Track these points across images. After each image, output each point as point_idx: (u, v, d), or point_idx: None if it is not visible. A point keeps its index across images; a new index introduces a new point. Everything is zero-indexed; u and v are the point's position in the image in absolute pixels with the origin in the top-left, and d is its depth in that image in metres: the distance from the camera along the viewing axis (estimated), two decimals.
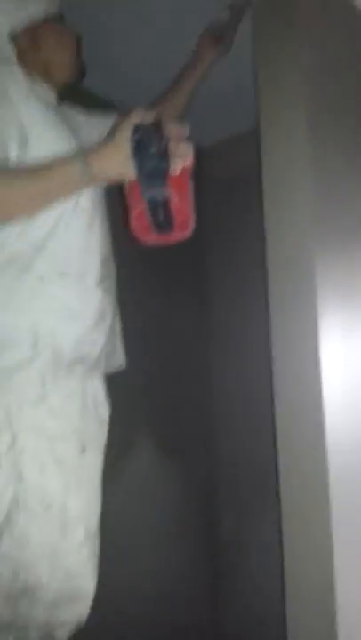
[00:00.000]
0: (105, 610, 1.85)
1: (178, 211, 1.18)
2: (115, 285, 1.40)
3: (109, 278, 1.37)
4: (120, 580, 1.96)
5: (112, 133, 1.18)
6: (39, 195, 1.20)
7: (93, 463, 1.26)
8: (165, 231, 1.21)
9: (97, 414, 1.32)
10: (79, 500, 1.20)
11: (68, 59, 1.43)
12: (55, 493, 1.17)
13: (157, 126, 1.15)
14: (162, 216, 1.18)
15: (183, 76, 1.71)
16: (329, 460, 1.41)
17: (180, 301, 2.39)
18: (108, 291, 1.35)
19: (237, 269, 2.33)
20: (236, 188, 2.33)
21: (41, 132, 1.26)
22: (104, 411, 1.35)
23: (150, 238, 1.24)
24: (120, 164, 1.15)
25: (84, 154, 1.19)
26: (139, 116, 1.16)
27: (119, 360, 1.40)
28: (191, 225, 1.23)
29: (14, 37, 1.37)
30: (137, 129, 1.14)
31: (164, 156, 1.13)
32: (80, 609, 1.18)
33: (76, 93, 1.60)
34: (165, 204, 1.16)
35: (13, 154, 1.22)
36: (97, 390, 1.34)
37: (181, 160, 1.15)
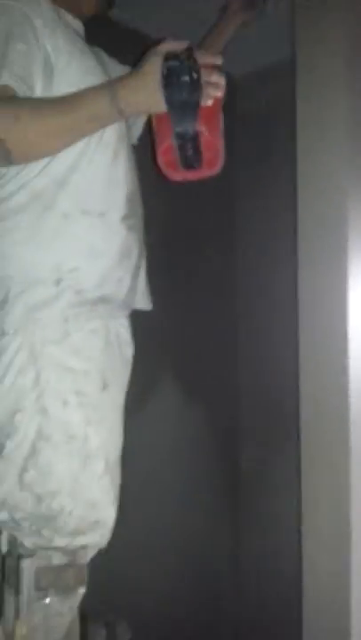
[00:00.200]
0: (129, 540, 1.95)
1: (207, 146, 1.15)
2: (141, 224, 1.39)
3: (134, 216, 1.35)
4: (145, 512, 2.04)
5: (141, 63, 1.14)
6: (65, 129, 1.17)
7: (115, 399, 1.28)
8: (193, 167, 1.18)
9: (120, 353, 1.33)
10: (100, 433, 1.23)
11: None
12: (77, 426, 1.21)
13: (189, 55, 1.09)
14: (190, 151, 1.14)
15: (208, 39, 1.66)
16: (351, 403, 1.43)
17: (208, 243, 2.37)
18: (134, 228, 1.33)
19: (267, 209, 2.29)
20: (267, 121, 2.26)
21: (67, 63, 1.22)
22: (128, 350, 1.37)
23: (178, 174, 1.21)
24: (149, 94, 1.11)
25: (111, 85, 1.16)
26: (169, 45, 1.12)
27: (145, 301, 1.41)
28: (220, 162, 1.20)
29: None
30: (167, 58, 1.09)
31: (197, 86, 1.08)
32: (101, 535, 1.24)
33: (103, 24, 1.55)
34: (195, 139, 1.13)
35: (39, 88, 1.19)
36: (121, 329, 1.36)
37: (214, 91, 1.10)
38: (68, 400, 1.21)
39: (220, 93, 1.12)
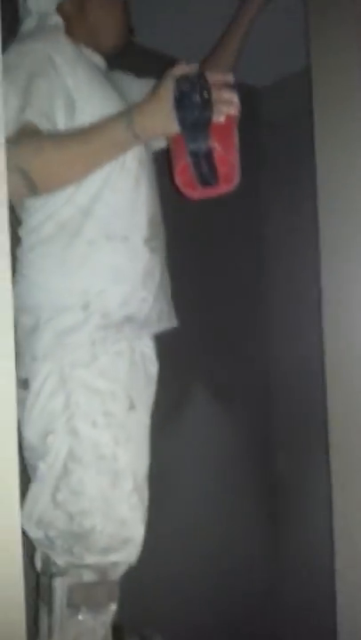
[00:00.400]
0: (166, 553, 1.97)
1: (222, 162, 1.17)
2: (163, 245, 1.43)
3: (157, 238, 1.38)
4: (182, 525, 2.06)
5: (156, 88, 1.18)
6: (86, 157, 1.22)
7: (141, 418, 1.32)
8: (210, 184, 1.20)
9: (145, 372, 1.37)
10: (128, 452, 1.27)
11: (114, 24, 1.43)
12: (106, 446, 1.25)
13: (200, 76, 1.13)
14: (205, 168, 1.17)
15: (230, 29, 1.67)
16: None
17: (238, 252, 2.38)
18: (156, 250, 1.37)
19: (295, 219, 2.28)
20: (290, 129, 2.26)
21: (87, 96, 1.28)
22: (153, 368, 1.40)
23: (196, 193, 1.24)
24: (163, 117, 1.15)
25: (128, 112, 1.20)
26: (181, 69, 1.15)
27: (170, 319, 1.44)
28: (237, 177, 1.22)
29: (61, 5, 1.37)
30: (179, 81, 1.13)
31: (207, 105, 1.11)
32: (130, 552, 1.27)
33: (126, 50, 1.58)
34: (209, 155, 1.15)
35: (61, 122, 1.25)
36: (146, 348, 1.39)
37: (226, 108, 1.13)
38: (96, 421, 1.25)
39: (232, 110, 1.14)
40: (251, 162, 2.35)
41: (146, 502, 1.30)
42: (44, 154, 1.18)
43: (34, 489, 1.26)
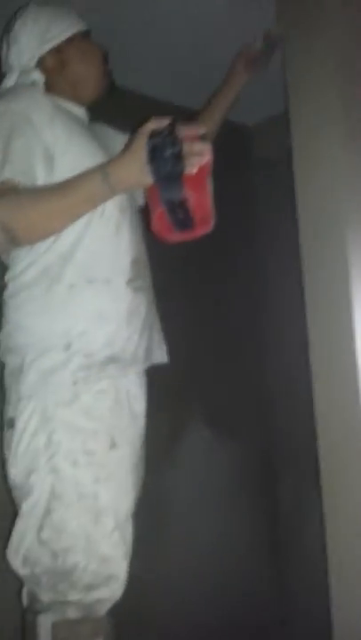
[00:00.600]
0: (170, 581, 1.98)
1: (196, 208, 1.22)
2: (148, 284, 1.46)
3: (140, 278, 1.42)
4: (184, 554, 2.07)
5: (130, 142, 1.23)
6: (65, 211, 1.27)
7: (123, 456, 1.34)
8: (187, 229, 1.25)
9: (130, 409, 1.39)
10: (109, 490, 1.29)
11: (94, 76, 1.49)
12: (86, 485, 1.27)
13: (171, 131, 1.18)
14: (181, 215, 1.21)
15: (216, 98, 1.76)
16: None
17: (234, 280, 2.42)
18: (140, 290, 1.41)
19: (289, 249, 2.31)
20: (282, 166, 2.31)
21: (65, 151, 1.33)
22: (138, 406, 1.42)
23: (173, 237, 1.28)
24: (137, 171, 1.20)
25: (104, 166, 1.25)
26: (153, 124, 1.20)
27: (159, 355, 1.47)
28: (212, 220, 1.26)
29: (42, 59, 1.44)
30: (152, 135, 1.18)
31: (179, 158, 1.16)
32: (114, 589, 1.29)
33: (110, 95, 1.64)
34: (183, 204, 1.20)
35: (41, 176, 1.30)
36: (131, 386, 1.41)
37: (197, 159, 1.17)
38: (77, 460, 1.28)
39: (204, 160, 1.18)
40: (244, 198, 2.42)
41: (129, 539, 1.32)
42: (24, 209, 1.24)
43: (20, 526, 1.29)
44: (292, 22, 1.55)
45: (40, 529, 1.27)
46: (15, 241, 1.27)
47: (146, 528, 1.89)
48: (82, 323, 1.32)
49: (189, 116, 1.75)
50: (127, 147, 1.22)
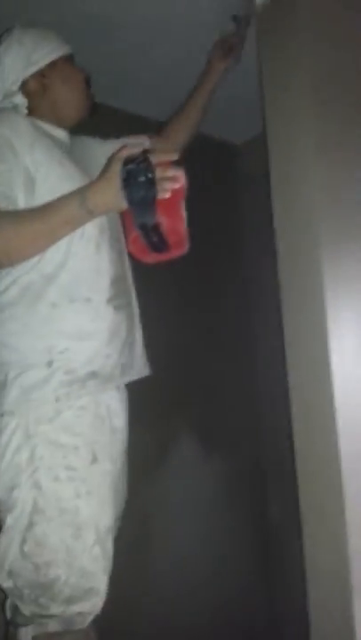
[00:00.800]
0: (157, 594, 1.99)
1: (170, 232, 1.26)
2: (130, 301, 1.50)
3: (121, 296, 1.46)
4: (173, 570, 2.08)
5: (106, 168, 1.27)
6: (44, 234, 1.31)
7: (104, 471, 1.36)
8: (162, 251, 1.29)
9: (110, 425, 1.42)
10: (89, 505, 1.32)
11: (76, 99, 1.53)
12: (68, 500, 1.30)
13: (145, 158, 1.22)
14: (155, 238, 1.26)
15: (196, 90, 1.80)
16: (341, 453, 1.47)
17: (220, 297, 2.45)
18: (121, 307, 1.44)
19: (273, 262, 2.35)
20: (268, 182, 2.35)
21: (46, 175, 1.37)
22: (117, 421, 1.45)
23: (149, 258, 1.33)
24: (113, 196, 1.24)
25: (81, 190, 1.29)
26: (127, 150, 1.24)
27: (140, 370, 1.50)
28: (186, 243, 1.31)
29: (25, 82, 1.48)
30: (126, 162, 1.22)
31: (152, 184, 1.20)
32: (94, 602, 1.31)
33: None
34: (157, 228, 1.24)
35: (21, 200, 1.34)
36: (111, 401, 1.44)
37: (170, 185, 1.21)
38: (58, 475, 1.31)
39: (177, 185, 1.22)
40: (231, 216, 2.45)
41: (109, 553, 1.34)
42: (4, 232, 1.28)
43: (3, 540, 1.32)
44: (271, 47, 1.59)
45: (23, 542, 1.29)
46: None
47: (135, 541, 1.92)
48: (63, 341, 1.35)
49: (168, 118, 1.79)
50: (103, 171, 1.26)
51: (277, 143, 1.54)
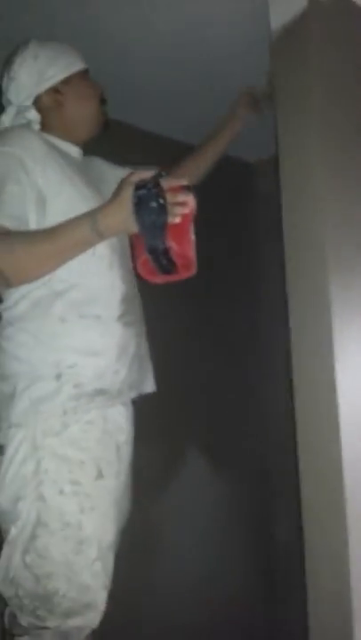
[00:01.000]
0: (160, 612, 1.99)
1: (179, 256, 1.28)
2: (138, 318, 1.51)
3: (131, 313, 1.47)
4: (178, 589, 2.08)
5: (117, 191, 1.29)
6: (55, 255, 1.32)
7: (108, 487, 1.37)
8: (170, 273, 1.31)
9: (116, 440, 1.43)
10: (93, 520, 1.32)
11: (90, 116, 1.54)
12: (71, 514, 1.31)
13: (156, 183, 1.24)
14: (165, 261, 1.28)
15: (217, 134, 1.82)
16: (345, 470, 1.47)
17: (230, 317, 2.47)
18: (130, 324, 1.46)
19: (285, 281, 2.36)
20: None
21: (57, 194, 1.38)
22: (121, 436, 1.45)
23: (157, 279, 1.34)
24: (124, 220, 1.26)
25: (93, 213, 1.30)
26: (139, 175, 1.26)
27: (147, 386, 1.51)
28: (194, 265, 1.32)
29: (38, 98, 1.49)
30: (137, 187, 1.24)
31: (163, 209, 1.22)
32: (91, 617, 1.32)
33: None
34: (166, 252, 1.26)
35: (33, 220, 1.35)
36: (118, 417, 1.45)
37: (180, 210, 1.24)
38: (63, 489, 1.32)
39: (187, 210, 1.25)
40: (245, 233, 2.47)
41: (110, 570, 1.35)
42: (16, 253, 1.29)
43: (6, 550, 1.33)
44: (284, 66, 1.62)
45: (25, 552, 1.30)
46: (7, 282, 1.33)
47: (138, 557, 1.92)
48: (72, 356, 1.37)
49: (187, 151, 1.81)
50: (115, 195, 1.28)
51: (289, 163, 1.57)
